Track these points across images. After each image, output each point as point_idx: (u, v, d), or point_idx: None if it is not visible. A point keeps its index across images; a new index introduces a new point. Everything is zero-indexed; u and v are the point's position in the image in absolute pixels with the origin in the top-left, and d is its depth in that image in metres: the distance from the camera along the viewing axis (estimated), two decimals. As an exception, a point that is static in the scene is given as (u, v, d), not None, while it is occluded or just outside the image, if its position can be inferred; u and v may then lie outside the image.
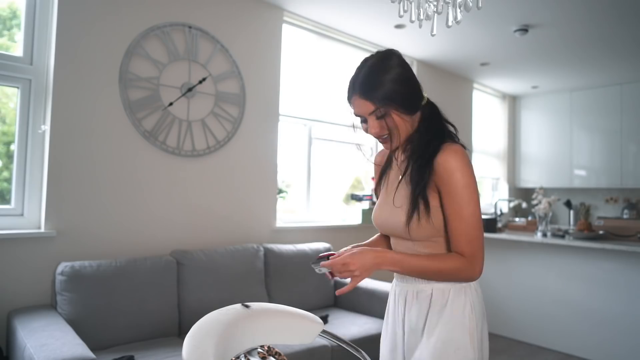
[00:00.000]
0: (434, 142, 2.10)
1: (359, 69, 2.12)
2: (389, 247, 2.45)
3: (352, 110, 2.14)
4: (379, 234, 2.57)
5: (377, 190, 2.50)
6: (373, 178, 2.64)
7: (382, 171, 2.43)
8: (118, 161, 4.51)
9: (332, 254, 2.16)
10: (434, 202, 2.06)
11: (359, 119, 2.16)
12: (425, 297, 2.15)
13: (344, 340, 2.29)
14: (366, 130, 2.15)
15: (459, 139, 2.20)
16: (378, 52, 2.15)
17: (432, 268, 2.02)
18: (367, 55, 2.17)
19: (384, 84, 2.02)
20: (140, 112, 4.63)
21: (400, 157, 2.28)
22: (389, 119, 2.05)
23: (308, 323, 2.20)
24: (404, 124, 2.08)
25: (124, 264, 4.16)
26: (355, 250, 2.03)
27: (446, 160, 2.01)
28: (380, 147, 2.41)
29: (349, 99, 2.13)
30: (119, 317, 4.00)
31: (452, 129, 2.23)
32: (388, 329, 2.38)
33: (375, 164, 2.58)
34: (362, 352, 2.24)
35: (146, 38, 4.69)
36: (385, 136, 2.11)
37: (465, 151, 2.07)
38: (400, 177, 2.19)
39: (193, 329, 1.76)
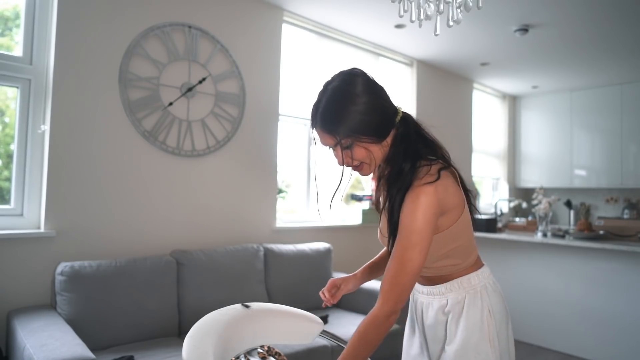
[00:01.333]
0: (407, 173, 1.96)
1: (321, 95, 2.00)
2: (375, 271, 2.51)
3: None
4: (384, 251, 2.53)
5: (377, 198, 2.38)
6: (373, 178, 2.56)
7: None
8: (118, 161, 4.50)
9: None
10: None
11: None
12: (440, 308, 2.14)
13: (344, 341, 2.30)
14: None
15: (439, 155, 2.08)
16: (341, 73, 2.03)
17: (364, 347, 1.92)
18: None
19: (347, 115, 1.92)
20: (140, 112, 4.62)
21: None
22: (355, 149, 1.97)
23: (308, 323, 2.21)
24: (373, 151, 1.99)
25: (124, 264, 4.16)
26: None
27: (407, 202, 1.90)
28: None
29: (312, 127, 2.02)
30: (119, 317, 3.99)
31: (430, 144, 2.09)
32: (415, 333, 2.36)
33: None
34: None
35: (146, 38, 4.69)
36: (354, 165, 2.05)
37: (433, 187, 1.91)
38: (382, 207, 2.16)
39: (193, 329, 1.76)
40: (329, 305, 2.33)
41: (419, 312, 2.25)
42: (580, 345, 6.20)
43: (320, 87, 2.03)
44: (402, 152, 2.00)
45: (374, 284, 5.14)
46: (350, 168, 2.08)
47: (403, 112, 2.09)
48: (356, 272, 2.49)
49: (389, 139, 2.03)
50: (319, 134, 2.00)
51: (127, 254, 4.53)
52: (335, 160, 2.03)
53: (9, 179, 4.13)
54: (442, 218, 1.97)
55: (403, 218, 1.90)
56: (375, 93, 1.99)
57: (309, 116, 2.04)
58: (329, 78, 2.04)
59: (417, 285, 2.26)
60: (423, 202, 1.88)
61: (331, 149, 2.03)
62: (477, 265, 2.20)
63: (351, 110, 1.91)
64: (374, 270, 2.53)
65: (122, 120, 4.53)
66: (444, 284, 2.13)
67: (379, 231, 2.26)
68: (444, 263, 2.09)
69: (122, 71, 4.51)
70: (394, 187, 1.97)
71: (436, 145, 2.10)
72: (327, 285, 2.38)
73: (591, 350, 6.09)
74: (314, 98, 2.01)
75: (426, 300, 2.20)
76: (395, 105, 2.09)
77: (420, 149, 2.04)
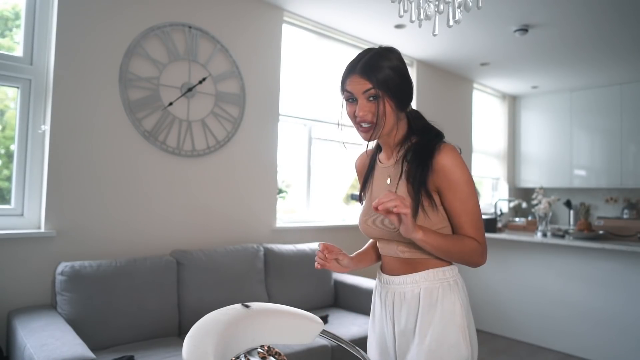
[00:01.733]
0: (429, 142, 2.14)
1: (361, 54, 2.16)
2: (378, 258, 2.53)
3: (344, 90, 2.17)
4: (368, 245, 2.63)
5: (361, 195, 2.52)
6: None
7: (366, 177, 2.46)
8: (118, 161, 4.51)
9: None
10: (432, 201, 2.10)
11: (344, 114, 2.21)
12: (413, 298, 2.18)
13: (344, 340, 2.29)
14: (351, 115, 2.17)
15: (443, 135, 2.24)
16: (380, 46, 2.20)
17: (455, 247, 2.07)
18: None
19: (384, 69, 2.07)
20: (140, 112, 4.63)
21: (387, 159, 2.32)
22: (380, 103, 2.08)
23: (308, 323, 2.21)
24: (391, 115, 2.11)
25: (124, 264, 4.16)
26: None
27: (445, 158, 2.04)
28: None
29: (344, 79, 2.17)
30: (119, 317, 4.00)
31: (438, 130, 2.26)
32: (375, 330, 2.40)
33: (356, 168, 2.63)
34: (362, 352, 2.24)
35: (146, 38, 4.69)
36: (368, 124, 2.13)
37: (459, 150, 2.13)
38: (398, 177, 2.20)
39: (193, 329, 1.76)
40: (319, 267, 2.40)
41: (388, 302, 2.28)
42: (580, 345, 6.20)
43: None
44: (422, 129, 2.24)
45: (373, 284, 5.14)
46: (362, 124, 2.16)
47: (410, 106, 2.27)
48: (352, 255, 2.54)
49: (403, 119, 2.22)
50: (352, 80, 2.12)
51: (127, 254, 4.53)
52: (351, 112, 2.17)
53: (9, 179, 4.13)
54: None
55: (447, 175, 2.05)
56: (407, 68, 2.18)
57: (342, 73, 2.19)
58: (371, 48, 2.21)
59: (386, 277, 2.31)
60: (458, 156, 2.08)
61: (354, 99, 2.14)
62: (449, 261, 2.24)
63: (387, 66, 2.09)
64: (363, 259, 2.59)
65: (122, 120, 4.54)
66: (418, 273, 2.18)
67: (364, 219, 2.35)
68: None
69: (122, 71, 4.51)
70: (420, 154, 2.13)
71: (439, 131, 2.25)
72: (327, 247, 2.43)
73: (591, 350, 6.10)
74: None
75: (398, 289, 2.23)
76: None
77: (434, 130, 2.25)
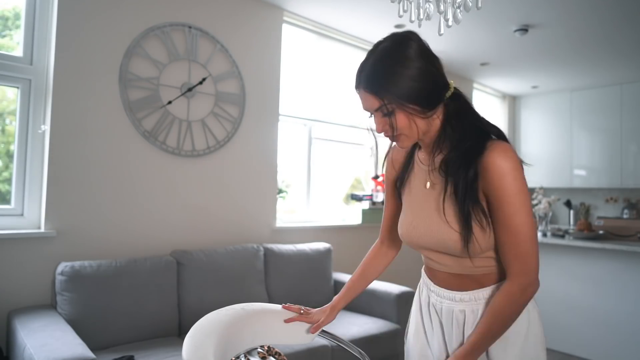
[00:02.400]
0: (474, 143, 1.81)
1: (369, 54, 1.85)
2: (352, 294, 2.34)
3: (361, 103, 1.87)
4: (350, 280, 2.39)
5: (390, 191, 2.27)
6: (383, 175, 2.33)
7: (402, 173, 2.15)
8: (118, 161, 4.51)
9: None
10: (486, 210, 1.82)
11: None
12: (471, 314, 1.92)
13: (344, 341, 2.29)
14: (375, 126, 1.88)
15: (504, 136, 1.91)
16: (394, 35, 1.86)
17: (503, 325, 1.79)
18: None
19: (395, 78, 1.74)
20: (140, 112, 4.63)
21: (426, 160, 2.00)
22: (398, 117, 1.79)
23: (308, 323, 2.21)
24: (416, 122, 1.81)
25: (124, 264, 4.16)
26: None
27: (494, 161, 1.73)
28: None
29: (356, 88, 1.86)
30: (119, 317, 4.00)
31: (489, 125, 1.92)
32: (418, 343, 2.15)
33: (392, 160, 2.26)
34: (362, 352, 2.24)
35: (146, 38, 4.69)
36: (392, 135, 1.86)
37: (514, 150, 1.79)
38: (441, 193, 1.89)
39: (193, 330, 1.76)
40: (289, 308, 2.20)
41: (448, 318, 1.99)
42: (580, 345, 6.20)
43: (352, 78, 1.90)
44: (462, 128, 1.88)
45: (373, 285, 5.13)
46: (387, 136, 1.89)
47: (455, 88, 1.93)
48: (334, 300, 2.33)
49: (437, 115, 1.88)
50: (361, 95, 1.84)
51: (127, 254, 4.53)
52: (374, 126, 1.88)
53: (9, 179, 4.13)
54: None
55: (495, 182, 1.73)
56: (429, 59, 1.83)
57: (354, 76, 1.88)
58: (382, 39, 1.87)
59: (442, 291, 2.02)
60: (513, 158, 1.77)
61: (371, 115, 1.87)
62: None
63: (400, 74, 1.75)
64: (365, 277, 2.40)
65: (122, 120, 4.53)
66: (484, 289, 1.91)
67: (407, 225, 2.05)
68: (489, 254, 1.87)
69: (122, 71, 4.51)
70: (462, 162, 1.81)
71: (494, 126, 1.93)
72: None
73: (591, 350, 6.09)
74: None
75: (458, 306, 1.95)
76: (448, 79, 1.91)
77: (482, 126, 1.90)
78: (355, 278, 2.39)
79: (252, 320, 2.03)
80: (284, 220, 6.15)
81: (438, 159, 1.92)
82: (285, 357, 2.15)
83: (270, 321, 2.12)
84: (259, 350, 2.09)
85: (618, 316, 5.88)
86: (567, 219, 9.92)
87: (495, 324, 1.79)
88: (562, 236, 6.51)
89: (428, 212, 1.94)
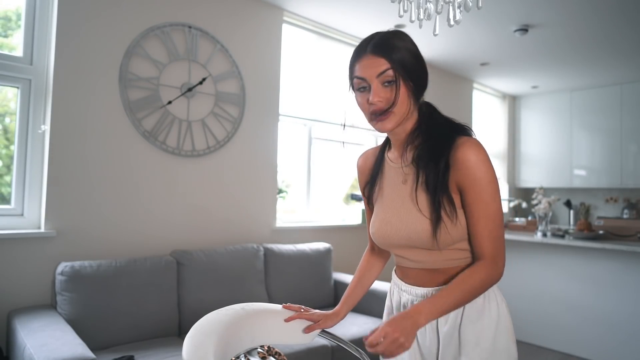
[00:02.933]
0: (445, 138, 1.92)
1: (370, 37, 1.92)
2: (352, 301, 2.36)
3: (354, 77, 1.92)
4: (348, 288, 2.41)
5: (365, 197, 2.29)
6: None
7: (373, 176, 2.21)
8: (118, 161, 4.51)
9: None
10: (457, 202, 1.90)
11: (347, 112, 2.07)
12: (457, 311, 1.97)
13: (344, 341, 2.30)
14: (363, 104, 1.93)
15: (472, 132, 2.01)
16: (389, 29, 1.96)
17: (465, 295, 1.84)
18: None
19: (400, 49, 1.85)
20: (140, 112, 4.63)
21: (398, 158, 2.07)
22: (400, 88, 1.85)
23: (307, 323, 2.21)
24: (407, 101, 1.90)
25: (124, 264, 4.17)
26: (388, 321, 1.76)
27: (466, 154, 1.83)
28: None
29: (353, 64, 1.93)
30: (119, 317, 4.00)
31: (458, 124, 2.03)
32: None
33: (358, 168, 2.34)
34: (361, 350, 2.25)
35: (146, 38, 4.69)
36: (384, 112, 1.88)
37: (483, 145, 1.90)
38: (413, 184, 1.96)
39: (193, 330, 1.76)
40: (287, 307, 2.19)
41: None
42: (580, 345, 6.20)
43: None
44: (434, 125, 2.00)
45: (373, 284, 5.13)
46: (376, 110, 1.90)
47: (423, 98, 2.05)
48: (337, 308, 2.33)
49: (414, 112, 1.99)
50: (365, 62, 1.88)
51: (127, 254, 4.54)
52: (364, 101, 1.92)
53: (9, 180, 4.13)
54: None
55: (470, 174, 1.83)
56: (421, 54, 1.97)
57: (352, 55, 1.96)
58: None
59: (410, 288, 2.08)
60: (482, 150, 1.87)
61: (367, 87, 1.89)
62: None
63: (405, 48, 1.88)
64: (362, 285, 2.43)
65: (122, 120, 4.54)
66: None
67: (379, 226, 2.08)
68: (461, 246, 1.94)
69: (122, 71, 4.51)
70: (433, 155, 1.91)
71: (463, 125, 2.03)
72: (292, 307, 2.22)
73: (591, 350, 6.10)
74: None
75: None
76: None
77: (452, 125, 2.02)
78: (353, 286, 2.41)
79: (251, 321, 2.03)
80: (284, 220, 6.15)
81: (410, 154, 2.02)
82: (285, 357, 2.15)
83: (270, 321, 2.12)
84: (259, 350, 2.09)
85: (618, 316, 5.88)
86: (567, 219, 9.93)
87: (466, 295, 1.84)
88: (562, 236, 6.51)
89: (401, 205, 2.00)
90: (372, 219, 2.18)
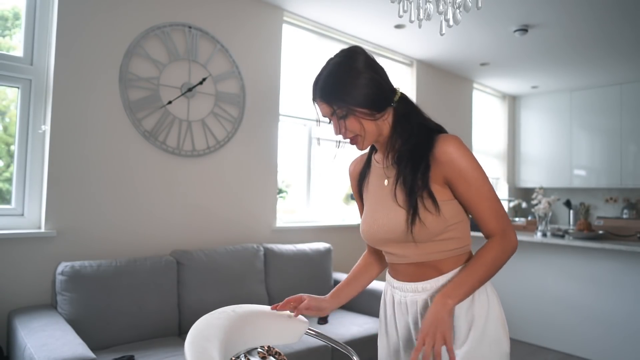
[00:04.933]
0: (423, 138, 2.03)
1: (322, 69, 2.08)
2: (344, 298, 2.38)
3: (318, 113, 2.10)
4: (352, 273, 2.47)
5: (358, 200, 2.42)
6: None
7: (361, 180, 2.34)
8: (118, 161, 4.51)
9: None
10: (441, 196, 1.98)
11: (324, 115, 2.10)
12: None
13: (332, 339, 2.32)
14: (335, 133, 2.09)
15: (445, 131, 2.11)
16: (343, 50, 2.13)
17: (487, 270, 1.97)
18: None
19: (344, 86, 1.98)
20: (141, 112, 4.63)
21: (383, 161, 2.18)
22: (349, 120, 2.00)
23: (293, 322, 2.23)
24: (366, 125, 2.01)
25: (124, 264, 4.17)
26: (420, 329, 1.86)
27: (447, 149, 1.95)
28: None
29: (313, 100, 2.09)
30: (119, 317, 4.01)
31: (433, 123, 2.13)
32: (390, 341, 2.24)
33: (350, 174, 2.49)
34: (349, 348, 2.27)
35: (146, 38, 4.70)
36: (350, 137, 2.07)
37: (459, 138, 2.02)
38: (394, 183, 2.06)
39: (192, 335, 1.77)
40: (278, 308, 2.22)
41: (411, 309, 2.10)
42: (580, 345, 6.20)
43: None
44: (411, 126, 2.07)
45: (373, 284, 5.14)
46: (346, 139, 2.11)
47: (402, 93, 2.13)
48: (328, 295, 2.37)
49: (388, 117, 2.08)
50: (318, 104, 2.06)
51: (127, 254, 4.54)
52: (333, 130, 2.09)
53: (9, 179, 4.14)
54: None
55: (456, 166, 1.95)
56: (374, 69, 2.06)
57: (312, 89, 2.10)
58: (333, 55, 2.12)
59: (402, 284, 2.14)
60: (460, 142, 1.98)
61: (330, 121, 2.08)
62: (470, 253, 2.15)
63: (348, 83, 1.98)
64: (356, 282, 2.45)
65: (123, 120, 4.54)
66: (445, 275, 2.05)
67: (366, 224, 2.19)
68: (446, 236, 2.01)
69: (122, 71, 4.52)
70: (412, 155, 2.02)
71: (438, 124, 2.13)
72: (289, 300, 2.26)
73: (591, 350, 6.10)
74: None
75: (421, 296, 2.08)
76: (394, 85, 2.14)
77: (428, 124, 2.10)
78: (344, 284, 2.44)
79: (242, 323, 2.05)
80: (284, 220, 6.16)
81: (392, 155, 2.12)
82: (285, 357, 2.16)
83: (260, 322, 2.14)
84: (259, 350, 2.10)
85: (617, 316, 5.88)
86: (567, 219, 9.94)
87: (487, 272, 1.97)
88: (562, 236, 6.51)
89: (385, 202, 2.10)
90: (362, 219, 2.27)
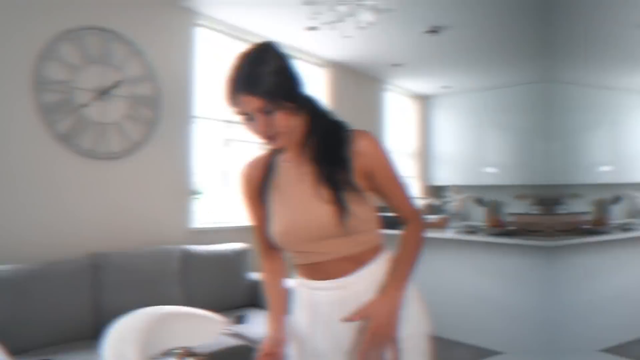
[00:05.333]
0: (339, 134, 2.06)
1: (237, 67, 1.96)
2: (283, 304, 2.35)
3: (237, 109, 1.96)
4: (276, 298, 2.38)
5: (256, 203, 2.31)
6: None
7: (265, 180, 2.24)
8: (32, 165, 4.47)
9: None
10: (364, 187, 2.03)
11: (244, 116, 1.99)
12: (366, 292, 2.05)
13: (249, 338, 2.36)
14: (254, 131, 1.98)
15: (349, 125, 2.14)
16: (253, 45, 2.01)
17: (418, 253, 2.15)
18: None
19: (264, 77, 1.88)
20: (54, 115, 4.59)
21: (294, 158, 2.13)
22: (279, 115, 1.91)
23: (210, 323, 2.25)
24: (291, 118, 1.95)
25: (39, 267, 4.14)
26: (366, 333, 1.93)
27: (366, 144, 2.02)
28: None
29: (232, 97, 1.96)
30: (36, 321, 3.97)
31: (341, 121, 2.13)
32: (306, 347, 2.18)
33: (245, 177, 2.37)
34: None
35: (59, 41, 4.65)
36: (273, 134, 1.96)
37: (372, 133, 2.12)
38: (315, 180, 2.02)
39: (109, 337, 1.79)
40: None
41: (335, 308, 2.06)
42: (494, 339, 6.24)
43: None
44: (324, 123, 2.12)
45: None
46: (267, 138, 2.00)
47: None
48: (275, 328, 2.29)
49: (302, 114, 2.03)
50: (241, 100, 1.92)
51: (43, 257, 4.46)
52: (252, 129, 1.98)
53: None
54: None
55: (375, 159, 2.05)
56: (285, 59, 1.98)
57: (226, 88, 2.00)
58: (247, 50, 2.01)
59: (325, 283, 2.09)
60: (375, 138, 2.09)
61: (250, 118, 1.95)
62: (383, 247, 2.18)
63: (272, 73, 1.90)
64: (282, 298, 2.38)
65: (36, 124, 4.49)
66: (368, 267, 2.07)
67: (281, 224, 2.13)
68: (366, 227, 2.06)
69: (34, 75, 4.47)
70: (331, 150, 2.04)
71: (345, 122, 2.14)
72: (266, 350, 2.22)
73: (505, 344, 6.16)
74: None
75: (339, 293, 2.06)
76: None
77: (338, 121, 2.14)
78: (278, 305, 2.37)
79: (160, 324, 2.07)
80: (203, 222, 6.18)
81: (308, 152, 2.09)
82: (203, 358, 2.19)
83: (177, 323, 2.17)
84: (177, 351, 2.12)
85: (529, 310, 5.92)
86: (480, 216, 10.14)
87: (414, 258, 2.15)
88: (474, 232, 6.66)
89: (306, 201, 2.05)
90: (272, 222, 2.17)
